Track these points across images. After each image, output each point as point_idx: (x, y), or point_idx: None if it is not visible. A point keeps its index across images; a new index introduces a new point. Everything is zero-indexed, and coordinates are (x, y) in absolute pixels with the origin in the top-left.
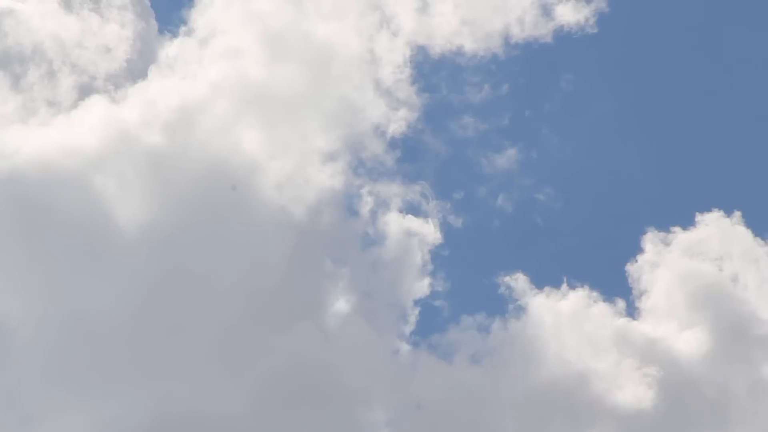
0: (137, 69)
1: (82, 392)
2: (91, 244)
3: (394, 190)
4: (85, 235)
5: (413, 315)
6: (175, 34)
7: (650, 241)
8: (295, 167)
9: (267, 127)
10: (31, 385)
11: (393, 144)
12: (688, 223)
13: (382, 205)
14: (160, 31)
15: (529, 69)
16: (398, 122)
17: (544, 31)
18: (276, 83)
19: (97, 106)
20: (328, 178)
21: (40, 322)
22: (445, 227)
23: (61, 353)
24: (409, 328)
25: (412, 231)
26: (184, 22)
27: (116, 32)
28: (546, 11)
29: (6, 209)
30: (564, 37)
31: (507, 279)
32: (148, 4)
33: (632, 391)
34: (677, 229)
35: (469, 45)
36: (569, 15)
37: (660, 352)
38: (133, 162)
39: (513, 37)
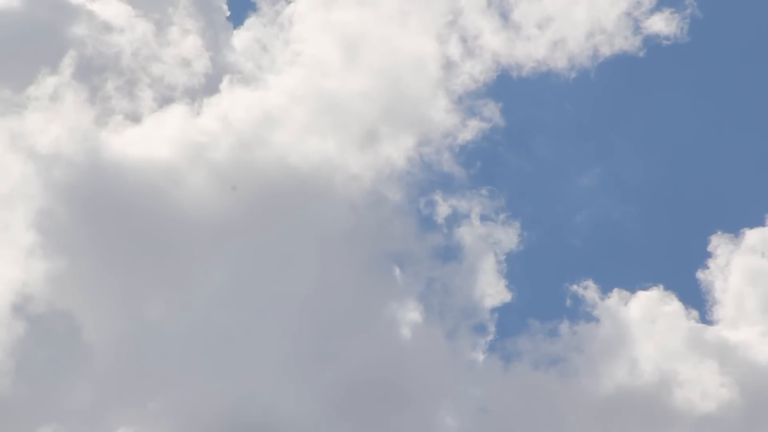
0: (213, 79)
1: (158, 396)
2: (167, 252)
3: (469, 201)
4: (160, 243)
5: (487, 322)
6: (252, 44)
7: (721, 245)
8: (370, 178)
9: (341, 137)
10: (108, 386)
11: (471, 157)
12: (758, 223)
13: (457, 215)
14: (236, 41)
15: (616, 85)
16: (475, 135)
17: (634, 44)
18: (351, 94)
19: (174, 116)
20: (403, 188)
21: (115, 327)
22: (520, 238)
23: (136, 357)
24: (482, 335)
25: (488, 241)
26: (261, 31)
27: (193, 42)
28: (636, 23)
29: (84, 218)
30: (654, 49)
31: (581, 286)
32: (225, 14)
33: (711, 395)
34: (746, 230)
35: (555, 61)
36: (661, 25)
37: (739, 356)
38: (208, 172)
39: (601, 51)
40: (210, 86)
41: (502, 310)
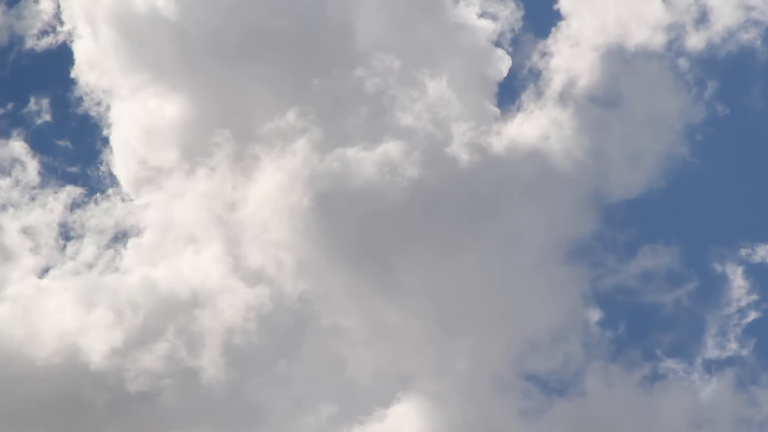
0: (448, 122)
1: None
2: (403, 264)
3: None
4: (396, 258)
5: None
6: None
7: None
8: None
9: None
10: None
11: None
12: None
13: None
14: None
15: None
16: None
17: None
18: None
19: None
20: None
21: (360, 333)
22: None
23: (378, 363)
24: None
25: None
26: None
27: (438, 86)
28: None
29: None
30: None
31: None
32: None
33: None
34: None
35: None
36: None
37: None
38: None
39: None
40: (446, 129)
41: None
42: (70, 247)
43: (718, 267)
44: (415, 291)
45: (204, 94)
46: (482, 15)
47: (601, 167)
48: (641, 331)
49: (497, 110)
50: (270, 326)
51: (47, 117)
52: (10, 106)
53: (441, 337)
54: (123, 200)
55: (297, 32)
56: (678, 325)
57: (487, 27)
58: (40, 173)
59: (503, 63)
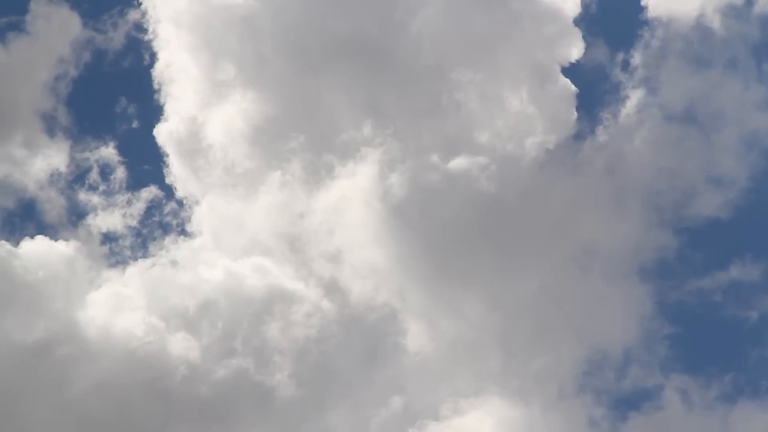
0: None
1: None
2: (485, 257)
3: None
4: (479, 253)
5: None
6: None
7: None
8: None
9: None
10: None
11: None
12: None
13: None
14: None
15: None
16: None
17: None
18: None
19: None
20: None
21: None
22: None
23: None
24: None
25: None
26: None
27: (522, 100)
28: None
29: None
30: None
31: None
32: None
33: None
34: None
35: None
36: None
37: None
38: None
39: None
40: (522, 144)
41: None
42: (150, 249)
43: None
44: (489, 304)
45: (282, 101)
46: None
47: (682, 184)
48: (723, 347)
49: (574, 91)
50: (340, 339)
51: (134, 123)
52: (96, 113)
53: (512, 352)
54: (198, 204)
55: (377, 42)
56: (761, 341)
57: (569, 7)
58: (122, 178)
59: (579, 45)
